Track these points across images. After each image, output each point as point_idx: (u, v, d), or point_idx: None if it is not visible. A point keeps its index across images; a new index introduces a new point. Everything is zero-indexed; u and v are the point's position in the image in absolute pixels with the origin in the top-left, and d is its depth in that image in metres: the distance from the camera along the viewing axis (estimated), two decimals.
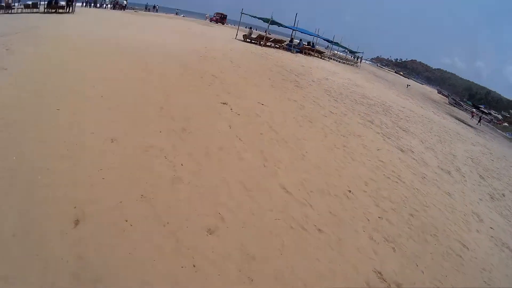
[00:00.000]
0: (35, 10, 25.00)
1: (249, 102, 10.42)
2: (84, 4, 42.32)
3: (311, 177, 6.70)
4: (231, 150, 6.53)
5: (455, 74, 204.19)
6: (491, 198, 11.17)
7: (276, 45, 35.31)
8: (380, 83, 39.51)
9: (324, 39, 46.12)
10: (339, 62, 47.74)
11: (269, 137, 7.97)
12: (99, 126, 5.99)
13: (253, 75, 15.13)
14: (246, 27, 44.06)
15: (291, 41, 37.95)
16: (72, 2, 28.23)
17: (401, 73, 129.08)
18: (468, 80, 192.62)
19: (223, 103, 9.35)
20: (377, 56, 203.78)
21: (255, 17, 36.87)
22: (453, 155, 14.82)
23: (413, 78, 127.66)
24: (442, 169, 11.64)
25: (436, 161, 12.28)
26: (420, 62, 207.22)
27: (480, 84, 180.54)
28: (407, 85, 65.73)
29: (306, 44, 41.93)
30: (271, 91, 12.99)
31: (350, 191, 6.73)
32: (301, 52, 37.30)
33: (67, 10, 27.81)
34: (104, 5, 45.83)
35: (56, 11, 26.48)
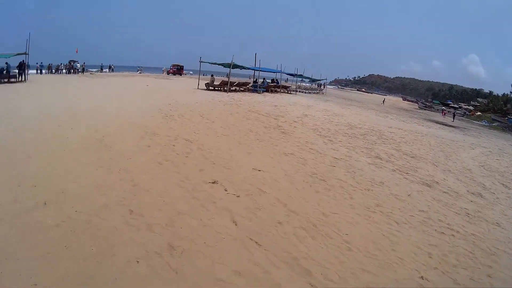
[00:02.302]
0: None
1: (242, 171, 8.36)
2: (38, 71, 41.40)
3: (375, 278, 4.68)
4: (255, 271, 4.26)
5: (414, 78, 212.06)
6: None
7: (241, 88, 33.71)
8: (353, 106, 38.57)
9: (287, 74, 45.06)
10: (305, 93, 47.02)
11: (292, 225, 5.81)
12: (41, 267, 3.86)
13: (232, 130, 13.14)
14: (204, 75, 42.25)
15: (255, 81, 36.71)
16: (24, 70, 27.38)
17: (363, 89, 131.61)
18: (428, 81, 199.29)
19: (213, 182, 7.30)
20: (335, 78, 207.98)
21: (215, 63, 34.74)
22: (468, 170, 13.51)
23: (375, 92, 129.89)
24: (473, 193, 10.24)
25: (462, 186, 10.82)
26: (378, 75, 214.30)
27: (441, 82, 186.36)
28: (383, 100, 66.19)
29: (270, 81, 40.82)
30: (260, 147, 11.09)
31: (422, 278, 5.00)
32: (267, 90, 36.14)
33: (20, 79, 27.09)
34: (60, 71, 45.40)
35: (8, 80, 25.75)
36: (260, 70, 37.31)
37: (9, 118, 11.91)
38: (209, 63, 34.43)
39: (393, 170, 10.92)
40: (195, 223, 5.38)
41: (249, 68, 36.87)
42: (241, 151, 10.28)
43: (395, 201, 8.11)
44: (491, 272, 5.66)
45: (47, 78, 34.35)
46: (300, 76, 48.52)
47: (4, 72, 25.88)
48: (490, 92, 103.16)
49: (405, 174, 10.75)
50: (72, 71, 45.83)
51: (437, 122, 38.44)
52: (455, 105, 77.56)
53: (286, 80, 54.25)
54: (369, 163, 11.22)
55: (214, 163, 8.71)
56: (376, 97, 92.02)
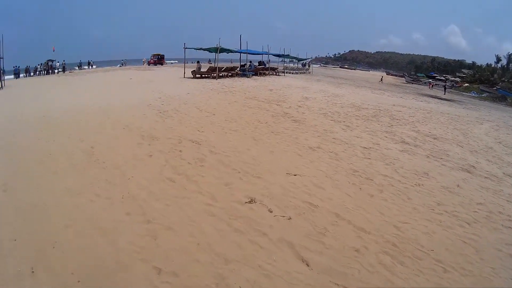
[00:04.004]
0: None
1: (276, 179, 6.82)
2: (15, 75, 38.66)
3: None
4: None
5: (395, 52, 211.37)
6: None
7: (229, 74, 31.99)
8: (345, 84, 37.42)
9: (274, 55, 43.25)
10: (292, 73, 45.75)
11: (372, 250, 4.55)
12: None
13: (240, 123, 11.59)
14: (186, 62, 39.39)
15: (243, 65, 34.88)
16: (0, 76, 24.80)
17: (346, 66, 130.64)
18: (409, 54, 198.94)
19: (249, 201, 5.70)
20: (316, 56, 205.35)
21: (200, 49, 32.52)
22: (490, 148, 12.72)
23: (358, 68, 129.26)
24: (509, 175, 9.41)
25: (496, 168, 10.04)
26: (358, 50, 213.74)
27: (422, 54, 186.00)
28: (381, 78, 64.98)
29: (258, 64, 39.09)
30: (280, 143, 9.59)
31: None
32: (256, 74, 34.57)
33: None
34: (38, 72, 42.05)
35: None
36: (248, 53, 35.27)
37: None
38: (194, 48, 32.33)
39: (427, 157, 9.91)
40: (255, 274, 3.85)
41: (236, 51, 34.67)
42: (262, 151, 8.73)
43: (451, 195, 7.15)
44: None
45: (25, 81, 31.23)
46: (287, 56, 46.81)
47: None
48: (473, 63, 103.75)
49: (439, 159, 9.81)
50: (50, 71, 42.33)
51: (431, 96, 37.88)
52: (442, 77, 77.26)
53: (268, 62, 52.71)
54: (400, 151, 10.13)
55: (238, 172, 7.07)
56: (361, 74, 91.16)
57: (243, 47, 34.79)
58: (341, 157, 8.61)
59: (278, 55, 44.50)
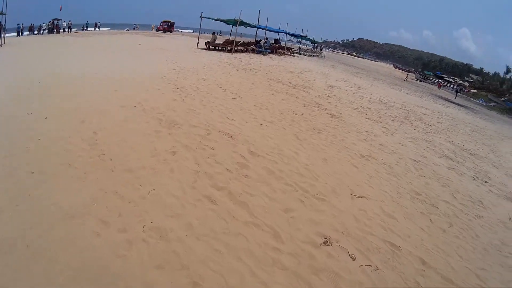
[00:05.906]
0: None
1: (343, 203, 5.39)
2: (18, 33, 35.69)
3: None
4: None
5: (403, 46, 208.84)
6: None
7: (244, 49, 30.20)
8: (361, 74, 36.48)
9: (291, 34, 41.80)
10: (305, 55, 44.60)
11: None
12: None
13: (272, 112, 10.18)
14: (193, 32, 36.38)
15: (258, 41, 33.25)
16: (0, 33, 23.31)
17: (354, 54, 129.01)
18: (417, 50, 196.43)
19: (324, 243, 4.22)
20: (324, 40, 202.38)
21: (218, 19, 30.21)
22: None
23: (366, 57, 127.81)
24: None
25: None
26: (367, 39, 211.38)
27: (430, 52, 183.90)
28: (406, 76, 62.70)
29: (274, 42, 37.90)
30: (330, 147, 8.19)
31: None
32: (272, 52, 33.41)
33: None
34: (42, 31, 39.49)
35: None
36: (267, 30, 33.14)
37: None
38: (212, 18, 29.97)
39: (474, 179, 9.18)
40: None
41: (256, 27, 32.49)
42: (312, 157, 7.19)
43: (509, 232, 6.45)
44: None
45: (27, 40, 28.09)
46: (304, 37, 45.36)
47: None
48: (481, 69, 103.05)
49: (485, 184, 9.14)
50: (55, 30, 39.79)
51: (444, 99, 37.33)
52: (450, 79, 76.34)
53: (278, 39, 51.15)
54: (447, 168, 9.37)
55: (296, 190, 5.40)
56: (369, 63, 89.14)
57: (262, 23, 32.63)
58: (397, 172, 7.65)
59: (295, 35, 43.16)
